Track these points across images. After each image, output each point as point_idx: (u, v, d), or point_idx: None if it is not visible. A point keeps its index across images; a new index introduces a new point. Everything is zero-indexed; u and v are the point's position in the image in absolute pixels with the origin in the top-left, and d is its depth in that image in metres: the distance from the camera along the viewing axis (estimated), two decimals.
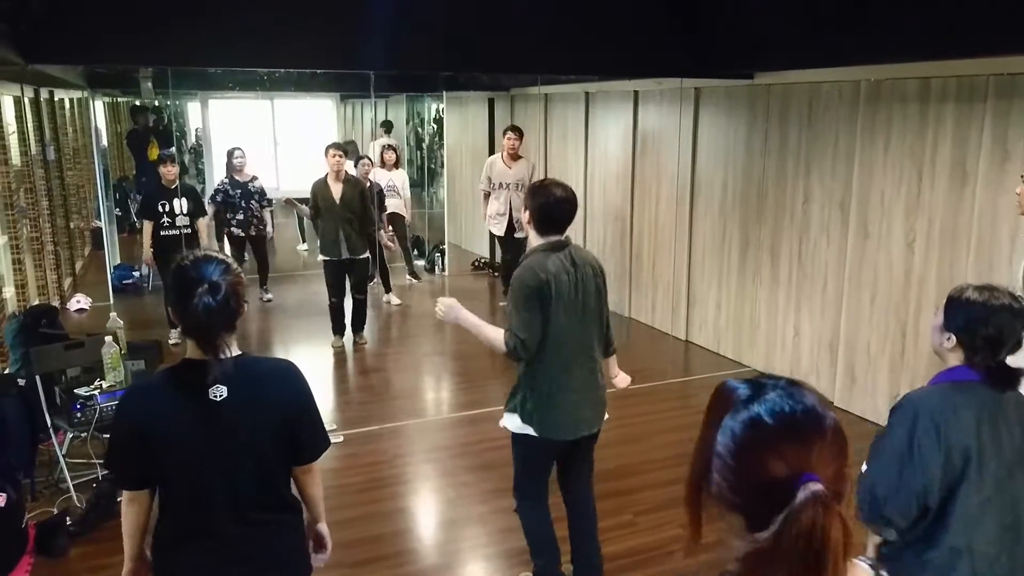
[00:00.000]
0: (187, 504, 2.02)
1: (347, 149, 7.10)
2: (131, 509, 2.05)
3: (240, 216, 7.75)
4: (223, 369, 1.94)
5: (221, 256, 2.00)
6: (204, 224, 6.93)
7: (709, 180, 6.61)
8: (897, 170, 4.97)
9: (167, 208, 6.62)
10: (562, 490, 3.35)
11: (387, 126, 12.15)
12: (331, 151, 6.59)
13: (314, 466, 2.20)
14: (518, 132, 7.70)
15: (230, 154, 7.78)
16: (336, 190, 6.55)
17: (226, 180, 7.79)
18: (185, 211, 6.67)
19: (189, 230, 6.71)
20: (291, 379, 2.10)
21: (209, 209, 7.57)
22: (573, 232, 3.21)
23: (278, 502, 2.12)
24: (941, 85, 4.65)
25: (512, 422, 3.13)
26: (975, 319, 2.01)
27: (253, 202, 7.79)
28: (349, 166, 7.02)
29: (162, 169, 6.68)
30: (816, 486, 0.97)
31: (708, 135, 6.60)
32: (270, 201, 8.18)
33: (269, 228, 7.99)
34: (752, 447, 1.02)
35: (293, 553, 2.19)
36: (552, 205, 3.03)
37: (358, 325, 6.96)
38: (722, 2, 5.25)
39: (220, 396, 1.94)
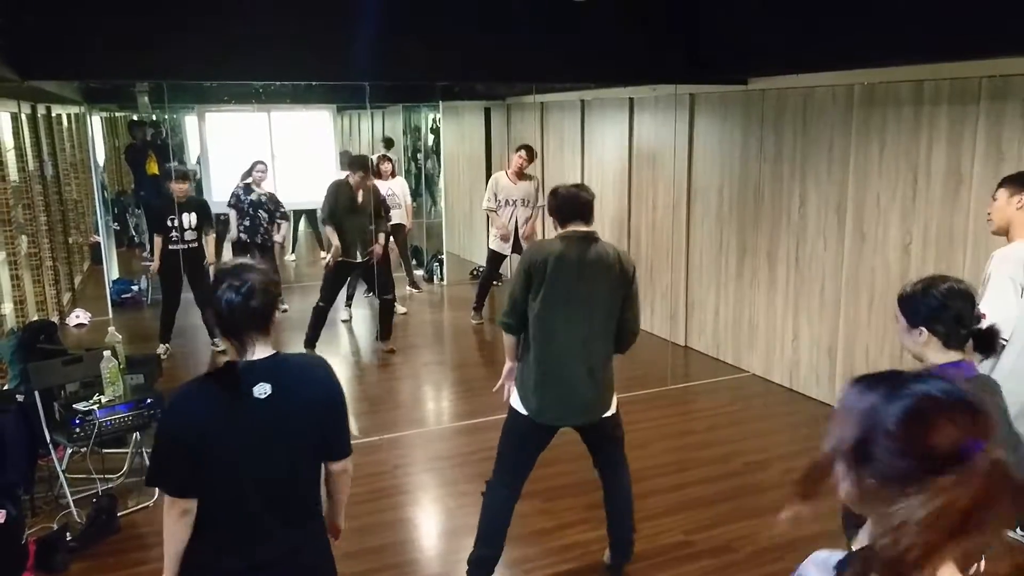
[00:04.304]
0: (227, 506, 2.03)
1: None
2: (181, 523, 2.01)
3: (247, 223, 7.77)
4: (263, 366, 1.99)
5: (256, 263, 2.06)
6: (211, 240, 6.94)
7: (706, 186, 6.63)
8: (892, 173, 4.98)
9: (176, 223, 6.61)
10: (597, 472, 3.46)
11: (388, 143, 12.12)
12: (356, 173, 6.65)
13: (349, 467, 2.24)
14: (531, 153, 7.57)
15: (253, 166, 7.78)
16: (359, 194, 6.66)
17: (241, 186, 7.78)
18: (193, 226, 6.68)
19: (196, 244, 6.73)
20: (327, 375, 2.15)
21: (232, 214, 7.66)
22: None
23: (309, 504, 2.16)
24: (934, 88, 4.67)
25: (514, 395, 3.27)
26: (935, 307, 2.13)
27: (262, 211, 7.79)
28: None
29: (173, 186, 6.60)
30: (997, 453, 0.99)
31: (704, 141, 6.62)
32: (284, 215, 8.16)
33: (278, 236, 7.96)
34: (926, 414, 1.04)
35: (321, 558, 2.22)
36: (571, 196, 3.21)
37: (387, 331, 6.97)
38: (715, 8, 5.27)
39: (265, 394, 1.98)
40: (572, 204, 3.21)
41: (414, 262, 9.93)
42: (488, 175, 10.26)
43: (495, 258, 7.76)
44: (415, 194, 12.15)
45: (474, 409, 5.69)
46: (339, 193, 6.62)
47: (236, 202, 7.70)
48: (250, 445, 1.99)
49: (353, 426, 5.28)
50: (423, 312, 8.68)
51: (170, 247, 6.61)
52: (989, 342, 2.15)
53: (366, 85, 6.96)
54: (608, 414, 3.32)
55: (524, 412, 3.20)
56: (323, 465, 2.20)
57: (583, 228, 3.18)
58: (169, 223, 6.59)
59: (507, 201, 7.55)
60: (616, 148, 7.65)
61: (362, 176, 6.61)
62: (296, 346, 7.25)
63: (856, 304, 5.33)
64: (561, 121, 8.56)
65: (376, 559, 3.76)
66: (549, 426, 3.24)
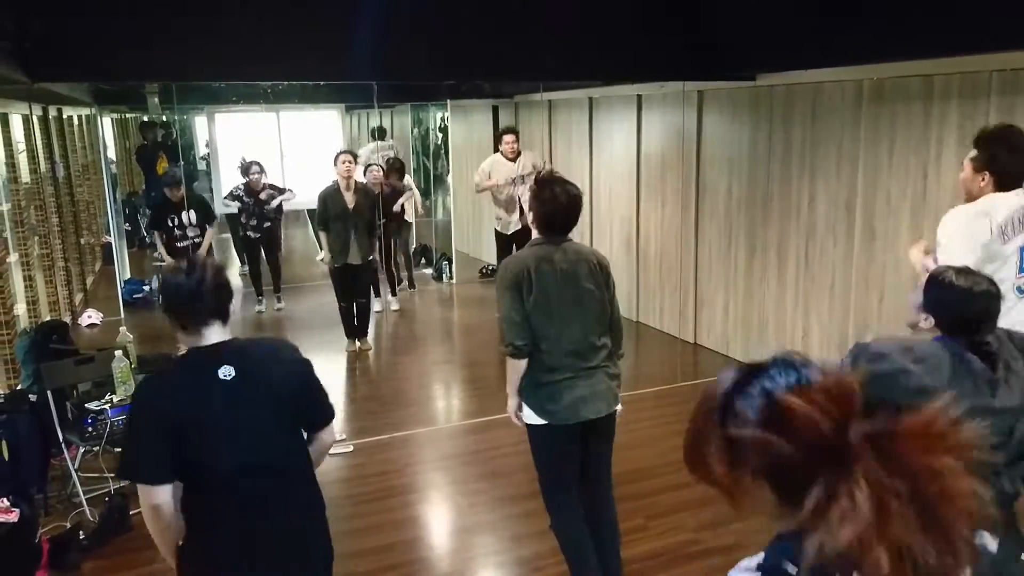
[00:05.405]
0: (212, 487, 2.07)
1: (356, 155, 7.17)
2: (157, 519, 2.05)
3: (254, 222, 8.01)
4: (226, 350, 2.08)
5: (207, 259, 2.19)
6: (210, 235, 7.11)
7: (714, 182, 6.61)
8: (902, 169, 4.95)
9: (176, 221, 6.88)
10: (585, 486, 3.31)
11: (380, 133, 11.65)
12: (341, 157, 6.63)
13: (331, 438, 2.34)
14: (514, 134, 7.63)
15: (247, 169, 7.89)
16: (349, 199, 6.62)
17: (241, 187, 7.93)
18: (195, 222, 6.92)
19: (200, 239, 6.97)
20: (291, 354, 2.24)
21: (232, 204, 7.98)
22: (580, 237, 3.26)
23: (298, 477, 2.21)
24: (944, 82, 4.64)
25: (526, 412, 3.17)
26: (956, 302, 2.03)
27: (267, 209, 8.01)
28: (358, 174, 7.11)
29: (166, 192, 6.92)
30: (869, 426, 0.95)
31: (712, 137, 6.60)
32: (280, 211, 8.35)
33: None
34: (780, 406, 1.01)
35: (317, 533, 2.27)
36: (556, 213, 3.06)
37: (363, 330, 7.05)
38: (723, 4, 5.25)
39: (228, 376, 2.05)
40: (561, 222, 3.07)
41: (422, 260, 9.97)
42: None
43: (502, 240, 7.75)
44: (424, 193, 12.15)
45: (484, 407, 5.69)
46: (327, 200, 6.62)
47: (240, 205, 7.95)
48: (224, 422, 2.05)
49: (344, 430, 5.30)
50: (431, 310, 8.70)
51: (177, 244, 6.87)
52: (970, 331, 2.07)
53: (374, 85, 6.98)
54: (618, 408, 3.28)
55: (544, 421, 3.12)
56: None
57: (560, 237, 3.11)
58: (169, 223, 6.87)
59: (505, 180, 7.49)
60: (624, 145, 7.64)
61: (347, 164, 6.52)
62: (308, 340, 7.27)
63: (866, 301, 5.30)
64: (569, 119, 8.55)
65: (386, 557, 3.78)
66: (572, 425, 3.15)
